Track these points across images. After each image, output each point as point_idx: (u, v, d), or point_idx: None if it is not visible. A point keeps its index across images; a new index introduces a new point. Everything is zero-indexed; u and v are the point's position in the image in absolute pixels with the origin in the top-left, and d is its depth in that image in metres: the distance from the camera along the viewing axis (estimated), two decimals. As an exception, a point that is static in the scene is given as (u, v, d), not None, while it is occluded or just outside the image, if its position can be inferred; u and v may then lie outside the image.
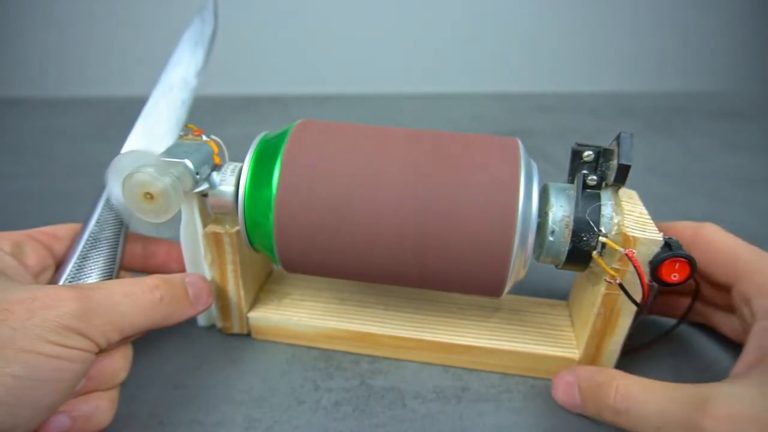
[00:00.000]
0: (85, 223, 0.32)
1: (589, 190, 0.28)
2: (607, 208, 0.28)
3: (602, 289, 0.29)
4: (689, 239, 0.32)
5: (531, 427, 0.31)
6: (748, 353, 0.28)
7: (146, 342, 0.36)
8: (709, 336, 0.37)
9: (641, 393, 0.27)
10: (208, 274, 0.35)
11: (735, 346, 0.35)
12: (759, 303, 0.29)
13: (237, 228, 0.33)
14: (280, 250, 0.31)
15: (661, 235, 0.27)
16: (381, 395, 0.33)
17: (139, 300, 0.27)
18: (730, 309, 0.33)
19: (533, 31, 1.00)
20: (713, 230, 0.32)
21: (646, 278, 0.27)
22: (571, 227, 0.28)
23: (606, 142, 0.30)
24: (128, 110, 0.88)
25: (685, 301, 0.36)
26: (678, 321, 0.35)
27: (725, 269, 0.31)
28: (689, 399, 0.26)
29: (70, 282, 0.30)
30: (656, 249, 0.27)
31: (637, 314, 0.30)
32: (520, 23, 0.99)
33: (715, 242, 0.32)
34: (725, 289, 0.32)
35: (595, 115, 0.87)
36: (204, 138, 0.33)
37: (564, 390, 0.31)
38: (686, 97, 0.96)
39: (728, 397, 0.25)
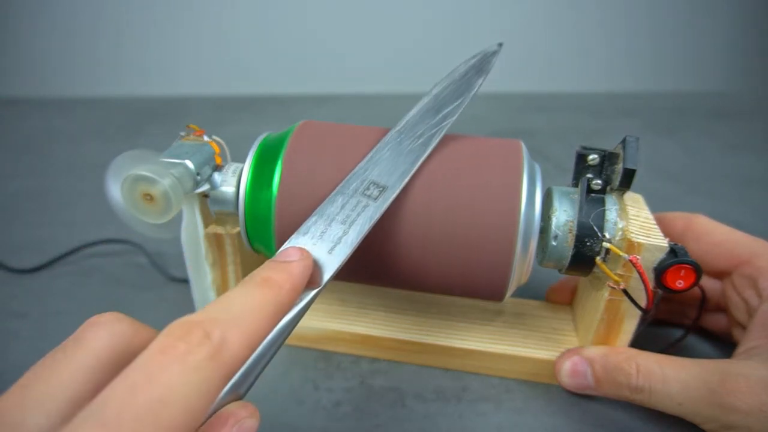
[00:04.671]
0: None
1: (593, 195, 0.28)
2: (611, 213, 0.28)
3: (606, 294, 0.29)
4: (682, 229, 0.33)
5: (531, 428, 0.31)
6: (756, 330, 0.28)
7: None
8: (699, 338, 0.37)
9: (662, 370, 0.27)
10: (209, 274, 0.35)
11: (727, 346, 0.35)
12: (765, 284, 0.29)
13: (238, 229, 0.32)
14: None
15: (666, 241, 0.27)
16: (381, 395, 0.33)
17: None
18: (716, 308, 0.35)
19: (533, 31, 1.00)
20: (705, 220, 0.33)
21: (651, 285, 0.27)
22: (574, 232, 0.28)
23: (606, 143, 0.30)
24: (128, 110, 0.88)
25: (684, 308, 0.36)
26: (686, 331, 0.35)
27: (725, 255, 0.32)
28: (711, 374, 0.26)
29: None
30: (661, 255, 0.27)
31: (642, 320, 0.30)
32: (520, 23, 0.99)
33: (711, 230, 0.32)
34: (722, 275, 0.33)
35: (595, 115, 0.87)
36: (206, 138, 0.33)
37: (571, 373, 0.31)
38: (686, 97, 0.96)
39: (747, 371, 0.26)
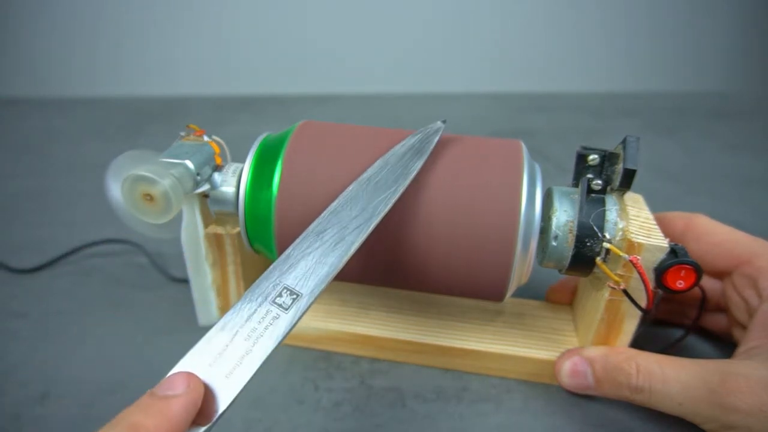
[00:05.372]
0: None
1: (593, 195, 0.28)
2: (611, 214, 0.28)
3: (606, 294, 0.29)
4: (682, 229, 0.33)
5: (531, 428, 0.31)
6: (757, 330, 0.28)
7: (146, 342, 0.36)
8: (699, 338, 0.38)
9: (662, 370, 0.27)
10: (209, 274, 0.35)
11: (727, 346, 0.35)
12: (766, 284, 0.29)
13: (238, 229, 0.32)
14: (281, 251, 0.30)
15: (666, 241, 0.27)
16: (381, 395, 0.33)
17: None
18: (716, 308, 0.35)
19: (533, 31, 1.00)
20: (705, 220, 0.33)
21: (651, 285, 0.27)
22: (574, 232, 0.28)
23: (606, 143, 0.30)
24: (128, 110, 0.88)
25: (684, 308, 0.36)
26: (686, 331, 0.35)
27: (725, 255, 0.32)
28: (711, 374, 0.26)
29: None
30: (662, 255, 0.27)
31: (642, 320, 0.30)
32: (520, 23, 0.99)
33: (711, 230, 0.32)
34: (722, 275, 0.33)
35: (595, 115, 0.87)
36: (206, 138, 0.33)
37: (571, 373, 0.31)
38: (686, 97, 0.96)
39: (748, 371, 0.26)
